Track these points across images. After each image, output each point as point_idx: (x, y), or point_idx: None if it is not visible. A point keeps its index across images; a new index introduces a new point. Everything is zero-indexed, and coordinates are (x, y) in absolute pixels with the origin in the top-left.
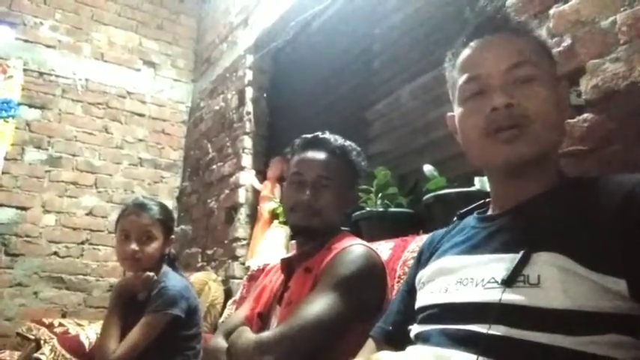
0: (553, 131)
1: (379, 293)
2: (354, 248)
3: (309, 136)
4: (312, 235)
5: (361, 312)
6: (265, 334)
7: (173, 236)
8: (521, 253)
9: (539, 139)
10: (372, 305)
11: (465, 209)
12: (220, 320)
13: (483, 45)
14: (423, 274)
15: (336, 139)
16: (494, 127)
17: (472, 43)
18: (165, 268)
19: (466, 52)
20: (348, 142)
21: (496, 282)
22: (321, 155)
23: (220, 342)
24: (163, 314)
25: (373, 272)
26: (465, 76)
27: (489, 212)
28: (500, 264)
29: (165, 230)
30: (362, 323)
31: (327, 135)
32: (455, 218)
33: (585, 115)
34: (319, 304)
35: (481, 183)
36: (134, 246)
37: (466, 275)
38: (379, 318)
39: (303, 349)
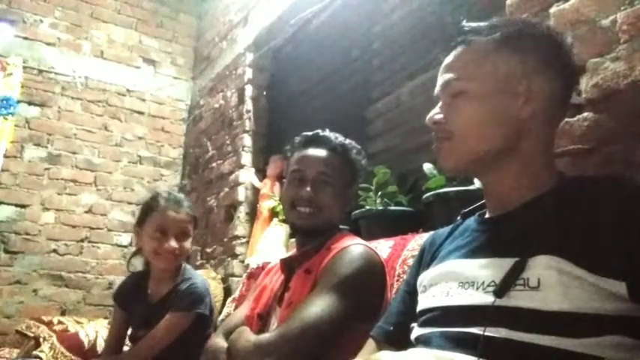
0: (484, 142)
1: (379, 293)
2: (353, 248)
3: (309, 133)
4: (312, 234)
5: (361, 312)
6: (265, 336)
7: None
8: (515, 260)
9: (458, 153)
10: (371, 305)
11: (469, 209)
12: (220, 318)
13: (444, 64)
14: (424, 277)
15: (337, 137)
16: (433, 140)
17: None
18: (185, 264)
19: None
20: (348, 140)
21: (495, 285)
22: (322, 152)
23: (220, 342)
24: (193, 312)
25: (373, 272)
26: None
27: (488, 214)
28: (500, 268)
29: (194, 228)
30: (362, 323)
31: (328, 133)
32: (459, 218)
33: (585, 114)
34: (319, 305)
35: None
36: (174, 243)
37: (467, 279)
38: (379, 318)
39: (303, 350)
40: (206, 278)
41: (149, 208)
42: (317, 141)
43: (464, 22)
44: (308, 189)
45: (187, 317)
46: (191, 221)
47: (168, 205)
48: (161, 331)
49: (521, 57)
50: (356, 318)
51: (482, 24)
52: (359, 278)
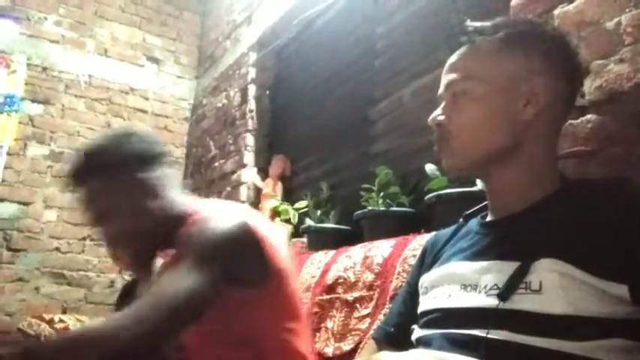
0: (486, 144)
1: (254, 256)
2: (208, 217)
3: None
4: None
5: (235, 278)
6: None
7: None
8: (519, 263)
9: (458, 154)
10: (249, 269)
11: (471, 210)
12: None
13: (447, 64)
14: (426, 279)
15: (77, 161)
16: (435, 141)
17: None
18: None
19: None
20: (98, 143)
21: (498, 289)
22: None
23: None
24: None
25: (236, 235)
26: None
27: (489, 216)
28: (503, 271)
29: None
30: (245, 288)
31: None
32: (461, 219)
33: (589, 116)
34: (174, 283)
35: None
36: None
37: (469, 282)
38: (267, 283)
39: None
40: None
41: None
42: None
43: (468, 22)
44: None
45: None
46: None
47: None
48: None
49: (525, 58)
50: (232, 284)
51: (486, 24)
52: (222, 246)
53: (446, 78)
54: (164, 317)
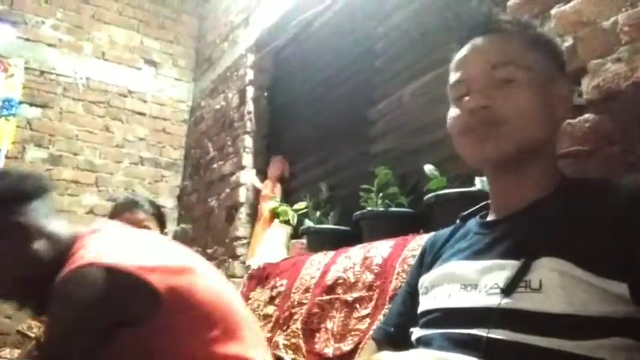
0: (533, 133)
1: (132, 298)
2: (68, 278)
3: None
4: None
5: (124, 325)
6: None
7: (166, 230)
8: (522, 260)
9: (510, 142)
10: (134, 311)
11: (468, 211)
12: None
13: (471, 47)
14: (425, 279)
15: None
16: (469, 127)
17: (466, 45)
18: None
19: (458, 55)
20: None
21: (498, 288)
22: None
23: None
24: None
25: (105, 293)
26: (453, 79)
27: (490, 216)
28: (503, 270)
29: (159, 224)
30: (137, 327)
31: None
32: (457, 220)
33: (586, 116)
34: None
35: (482, 183)
36: None
37: (470, 281)
38: (164, 308)
39: None
40: None
41: (110, 216)
42: None
43: (494, 10)
44: None
45: None
46: (149, 218)
47: (124, 208)
48: None
49: (552, 61)
50: (124, 328)
51: (511, 18)
52: (81, 317)
53: (481, 61)
54: None
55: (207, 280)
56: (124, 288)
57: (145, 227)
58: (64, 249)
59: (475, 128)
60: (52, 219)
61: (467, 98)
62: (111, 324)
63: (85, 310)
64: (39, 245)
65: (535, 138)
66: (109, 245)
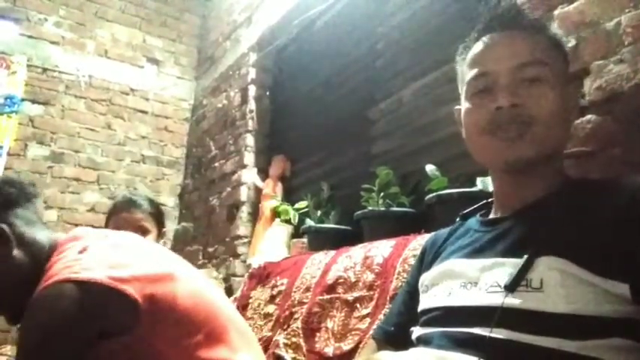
0: (556, 134)
1: (111, 310)
2: (44, 295)
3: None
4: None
5: (105, 336)
6: None
7: (165, 229)
8: (524, 258)
9: (540, 142)
10: (114, 323)
11: (468, 210)
12: None
13: (494, 41)
14: (426, 277)
15: None
16: (496, 125)
17: (484, 39)
18: None
19: (477, 48)
20: None
21: (499, 286)
22: None
23: None
24: None
25: (82, 308)
26: (473, 72)
27: (492, 214)
28: (504, 268)
29: (157, 223)
30: (119, 336)
31: None
32: (457, 219)
33: (589, 117)
34: None
35: (483, 183)
36: None
37: (470, 279)
38: (144, 316)
39: None
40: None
41: (108, 214)
42: None
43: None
44: None
45: None
46: (147, 218)
47: (122, 207)
48: None
49: (565, 64)
50: (104, 339)
51: (528, 17)
52: (61, 333)
53: (508, 56)
54: None
55: (187, 285)
56: (100, 302)
57: (142, 227)
58: (43, 258)
59: (503, 127)
60: (35, 227)
61: (494, 96)
62: (89, 337)
63: (60, 325)
64: (18, 253)
65: (558, 139)
66: (85, 257)
